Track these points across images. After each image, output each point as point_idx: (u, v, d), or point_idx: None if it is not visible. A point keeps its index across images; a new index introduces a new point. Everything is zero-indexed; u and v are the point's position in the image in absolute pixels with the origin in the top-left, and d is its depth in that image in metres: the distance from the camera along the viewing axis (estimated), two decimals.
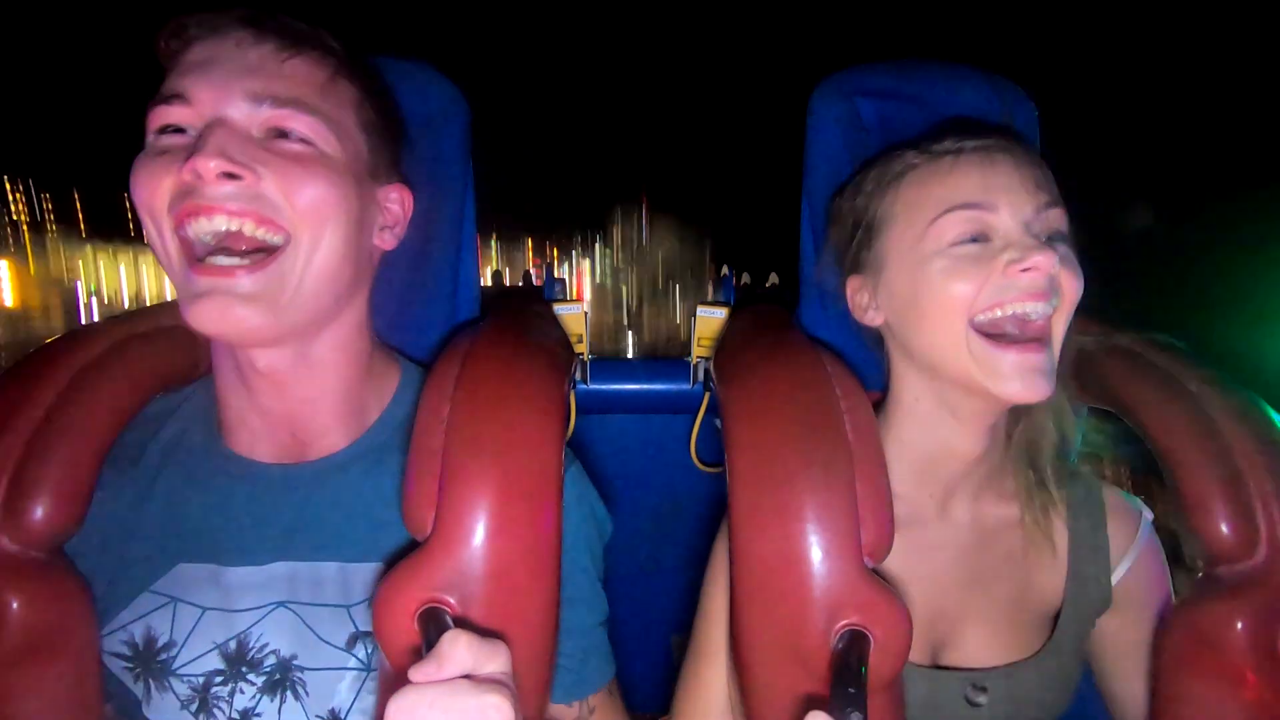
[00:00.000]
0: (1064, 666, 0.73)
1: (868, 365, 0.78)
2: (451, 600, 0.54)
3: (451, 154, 0.82)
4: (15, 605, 0.58)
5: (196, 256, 0.56)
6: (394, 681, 0.47)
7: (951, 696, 0.70)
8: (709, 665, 0.71)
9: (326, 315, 0.63)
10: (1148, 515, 0.77)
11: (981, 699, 0.70)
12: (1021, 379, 0.63)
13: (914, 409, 0.72)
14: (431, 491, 0.56)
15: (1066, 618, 0.73)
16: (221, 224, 0.56)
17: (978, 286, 0.64)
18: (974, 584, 0.73)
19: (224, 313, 0.55)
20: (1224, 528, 0.63)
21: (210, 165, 0.54)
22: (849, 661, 0.52)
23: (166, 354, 0.72)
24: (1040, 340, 0.64)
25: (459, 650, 0.47)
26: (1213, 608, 0.63)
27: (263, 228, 0.57)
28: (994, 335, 0.64)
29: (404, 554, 0.56)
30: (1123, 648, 0.75)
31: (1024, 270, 0.63)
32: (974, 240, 0.65)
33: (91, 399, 0.64)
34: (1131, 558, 0.75)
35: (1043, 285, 0.63)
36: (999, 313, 0.64)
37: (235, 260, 0.56)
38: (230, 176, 0.55)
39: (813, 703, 0.55)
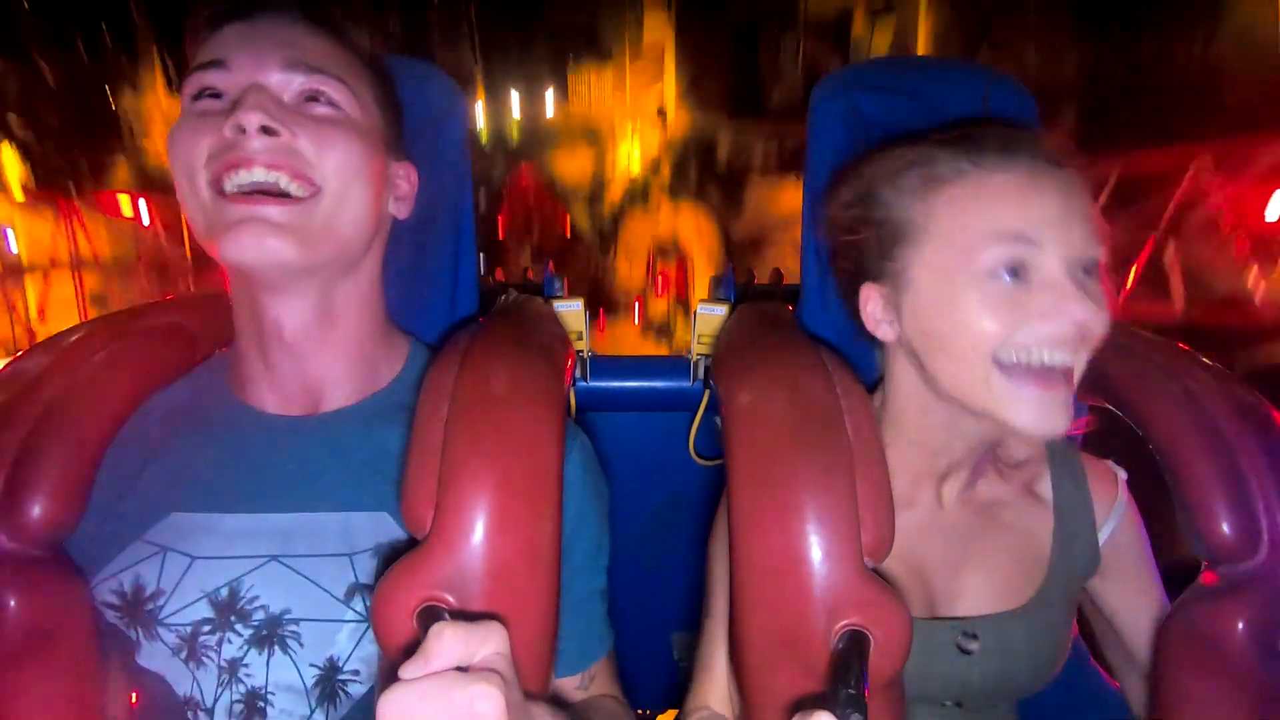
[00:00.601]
0: (1053, 620, 0.74)
1: (867, 365, 0.78)
2: (451, 598, 0.54)
3: (450, 151, 0.82)
4: (14, 603, 0.58)
5: (229, 192, 0.60)
6: (391, 679, 0.47)
7: (944, 644, 0.71)
8: (719, 650, 0.72)
9: (347, 262, 0.66)
10: (1122, 475, 0.78)
11: (973, 645, 0.71)
12: (1040, 416, 0.61)
13: (917, 418, 0.71)
14: (430, 489, 0.56)
15: (1054, 569, 0.74)
16: (259, 175, 0.59)
17: (1008, 329, 0.61)
18: (968, 560, 0.74)
19: (258, 241, 0.59)
20: (1225, 527, 0.63)
21: (254, 119, 0.58)
22: (849, 662, 0.52)
23: (164, 351, 0.72)
24: (1062, 380, 0.62)
25: (444, 642, 0.47)
26: (1213, 608, 0.63)
27: (296, 181, 0.60)
28: (1015, 372, 0.62)
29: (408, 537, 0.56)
30: (1116, 609, 0.77)
31: (1058, 320, 0.60)
32: (1012, 274, 0.61)
33: (89, 397, 0.64)
34: (1115, 519, 0.77)
35: (1073, 336, 0.61)
36: (1023, 356, 0.61)
37: (267, 195, 0.60)
38: (268, 132, 0.59)
39: (812, 703, 0.55)
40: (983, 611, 0.73)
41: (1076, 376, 0.64)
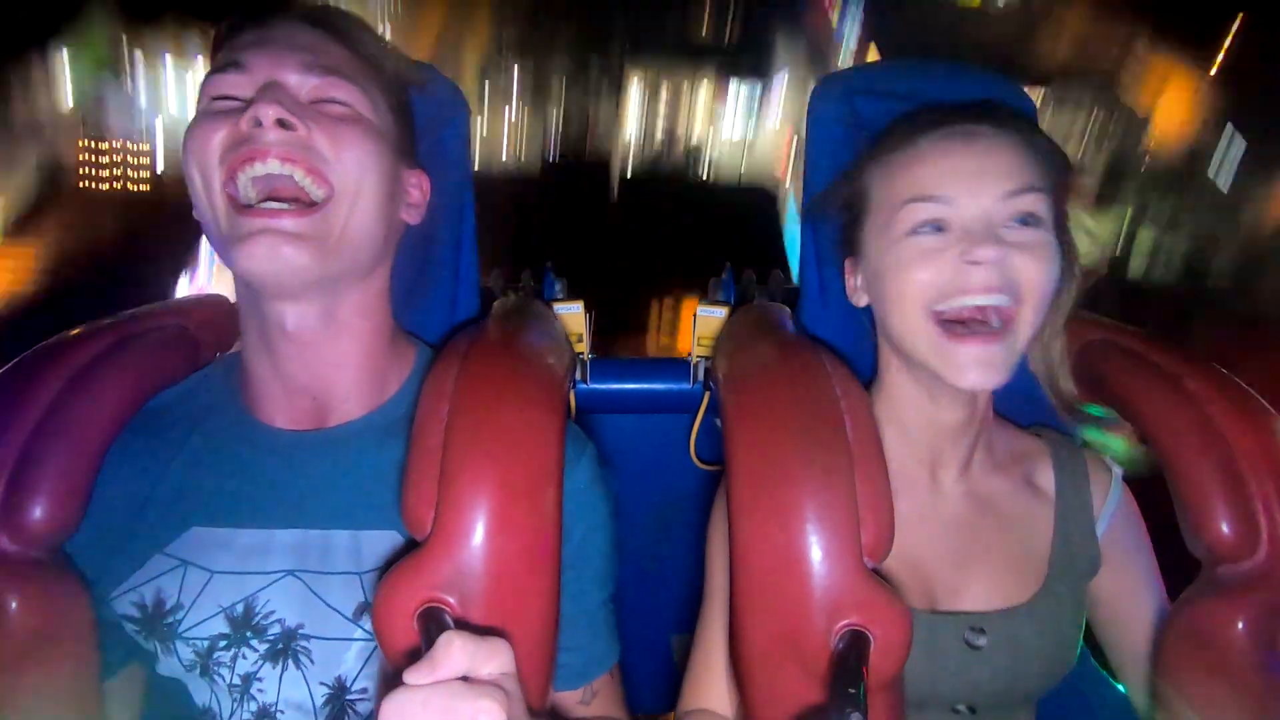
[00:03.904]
0: (1060, 613, 0.74)
1: (867, 366, 0.78)
2: (451, 600, 0.54)
3: (452, 154, 0.82)
4: (14, 606, 0.58)
5: (244, 205, 0.60)
6: (393, 682, 0.47)
7: (951, 639, 0.71)
8: (718, 648, 0.72)
9: (360, 271, 0.66)
10: (1118, 471, 0.79)
11: (980, 640, 0.71)
12: (977, 370, 0.64)
13: (893, 380, 0.74)
14: (431, 491, 0.56)
15: (1055, 564, 0.75)
16: (275, 167, 0.59)
17: (934, 277, 0.65)
18: (969, 553, 0.74)
19: (273, 251, 0.58)
20: (1225, 527, 0.63)
21: (270, 112, 0.58)
22: (849, 662, 0.52)
23: (166, 354, 0.72)
24: (1000, 333, 0.64)
25: (453, 651, 0.47)
26: (1213, 608, 0.63)
27: (310, 177, 0.60)
28: (954, 325, 0.65)
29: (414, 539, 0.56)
30: (1115, 599, 0.77)
31: (970, 263, 0.64)
32: (934, 230, 0.66)
33: (90, 399, 0.64)
34: (1110, 511, 0.77)
35: (994, 279, 0.64)
36: (960, 303, 0.65)
37: (282, 206, 0.60)
38: (285, 126, 0.59)
39: (812, 707, 0.55)
40: (988, 607, 0.73)
41: (1022, 329, 0.66)
